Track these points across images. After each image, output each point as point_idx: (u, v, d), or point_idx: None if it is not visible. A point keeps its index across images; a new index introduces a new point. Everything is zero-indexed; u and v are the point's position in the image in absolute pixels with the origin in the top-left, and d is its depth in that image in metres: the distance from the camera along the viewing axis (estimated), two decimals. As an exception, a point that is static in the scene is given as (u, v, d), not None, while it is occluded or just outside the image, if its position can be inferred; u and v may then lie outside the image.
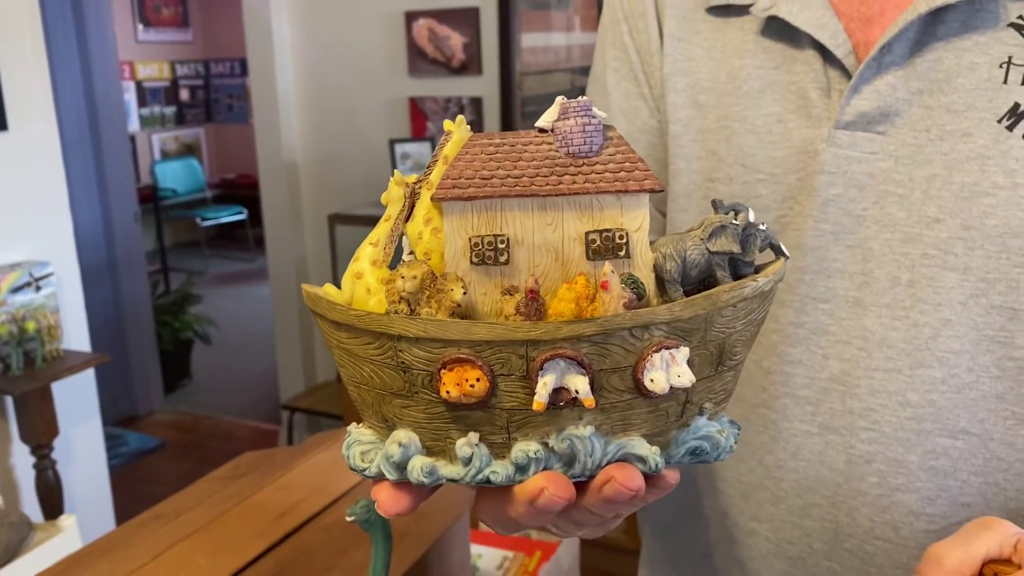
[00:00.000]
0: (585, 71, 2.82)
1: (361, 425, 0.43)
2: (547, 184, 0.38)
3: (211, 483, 1.08)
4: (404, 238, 0.42)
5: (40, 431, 2.30)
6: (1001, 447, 0.59)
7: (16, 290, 2.23)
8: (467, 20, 2.98)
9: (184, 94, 7.87)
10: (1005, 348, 0.59)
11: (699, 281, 0.42)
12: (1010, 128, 0.57)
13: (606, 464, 0.40)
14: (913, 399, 0.60)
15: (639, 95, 0.72)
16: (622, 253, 0.39)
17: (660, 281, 0.41)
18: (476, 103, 3.04)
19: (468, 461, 0.39)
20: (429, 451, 0.40)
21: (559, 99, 0.40)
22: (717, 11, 0.67)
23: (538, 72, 2.93)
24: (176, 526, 0.94)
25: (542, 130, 0.40)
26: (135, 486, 3.28)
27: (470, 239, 0.38)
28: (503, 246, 0.38)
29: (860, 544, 0.63)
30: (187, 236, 7.49)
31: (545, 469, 0.40)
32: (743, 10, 0.65)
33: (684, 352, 0.38)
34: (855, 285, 0.62)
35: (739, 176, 0.66)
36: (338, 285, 0.44)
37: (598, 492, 0.40)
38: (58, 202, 2.43)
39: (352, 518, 0.71)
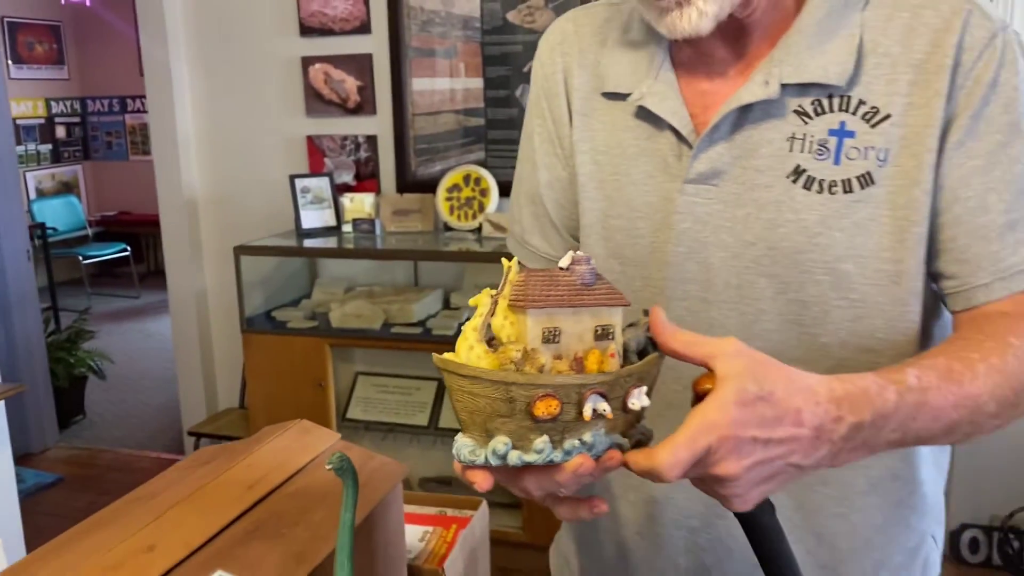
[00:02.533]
0: (470, 112, 3.12)
1: (463, 436, 0.65)
2: (575, 300, 0.63)
3: (178, 471, 1.27)
4: (489, 327, 0.65)
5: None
6: None
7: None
8: (361, 65, 3.22)
9: (60, 131, 7.74)
10: (800, 327, 0.86)
11: (638, 352, 0.67)
12: (794, 182, 0.83)
13: (604, 450, 0.64)
14: None
15: (555, 154, 0.98)
16: (611, 337, 0.64)
17: (627, 352, 0.66)
18: (371, 140, 3.27)
19: (540, 451, 0.62)
20: (514, 447, 0.63)
21: (570, 252, 0.65)
22: (608, 95, 0.93)
23: (428, 113, 3.20)
24: (159, 501, 1.13)
25: (563, 268, 0.64)
26: (38, 520, 3.30)
27: (543, 329, 0.62)
28: (558, 333, 0.62)
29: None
30: (69, 274, 7.34)
31: (579, 454, 0.63)
32: (625, 96, 0.92)
33: (643, 388, 0.64)
34: (702, 288, 0.88)
35: (625, 214, 0.92)
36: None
37: (603, 464, 0.63)
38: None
39: (331, 467, 0.94)
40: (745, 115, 0.84)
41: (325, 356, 2.96)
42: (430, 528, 1.62)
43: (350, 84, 3.24)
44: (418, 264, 3.29)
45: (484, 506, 1.65)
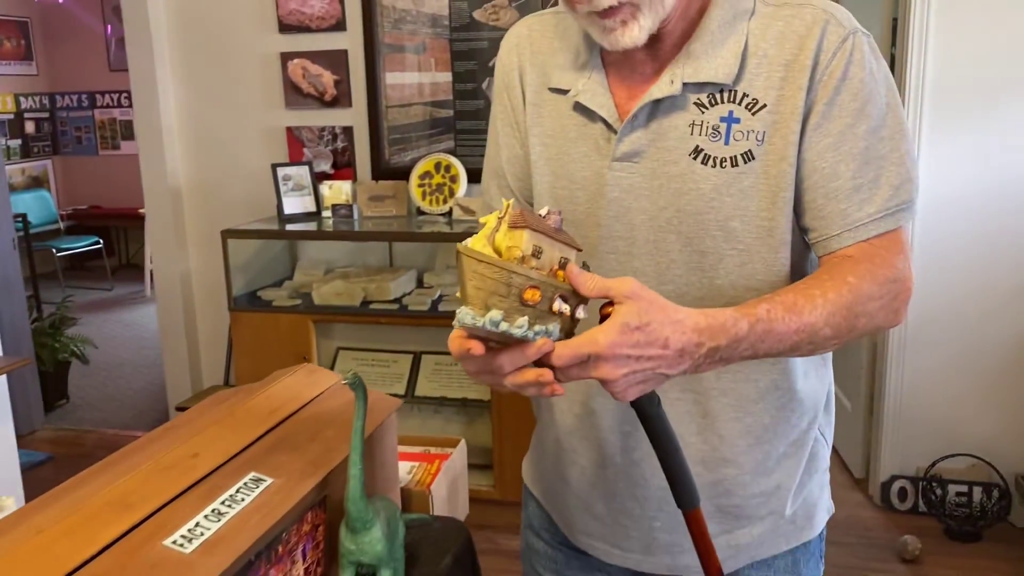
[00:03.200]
0: (439, 104, 3.35)
1: (466, 308, 0.84)
2: (554, 235, 0.85)
3: (200, 409, 1.50)
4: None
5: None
6: None
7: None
8: (337, 60, 3.44)
9: (29, 127, 7.82)
10: (701, 272, 1.08)
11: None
12: (695, 159, 1.05)
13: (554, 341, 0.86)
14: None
15: (514, 136, 1.20)
16: (568, 264, 0.86)
17: None
18: (348, 131, 3.49)
19: (521, 327, 0.82)
20: (503, 321, 0.82)
21: (546, 208, 0.87)
22: (553, 90, 1.15)
23: (400, 105, 3.42)
24: (194, 426, 1.35)
25: (542, 215, 0.85)
26: (33, 495, 3.47)
27: (533, 245, 0.83)
28: (541, 252, 0.83)
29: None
30: (42, 267, 7.44)
31: (545, 336, 0.84)
32: (565, 92, 1.14)
33: (586, 305, 0.86)
34: (627, 244, 1.10)
35: (567, 186, 1.14)
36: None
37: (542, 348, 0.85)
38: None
39: (346, 382, 1.18)
40: (657, 107, 1.06)
41: (309, 332, 3.18)
42: (416, 463, 1.87)
43: (327, 78, 3.45)
44: (393, 246, 3.52)
45: (462, 444, 1.90)
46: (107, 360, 5.34)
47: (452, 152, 3.37)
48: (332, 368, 3.35)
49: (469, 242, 0.85)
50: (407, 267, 3.45)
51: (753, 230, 1.04)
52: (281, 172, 3.38)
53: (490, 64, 3.29)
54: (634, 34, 0.99)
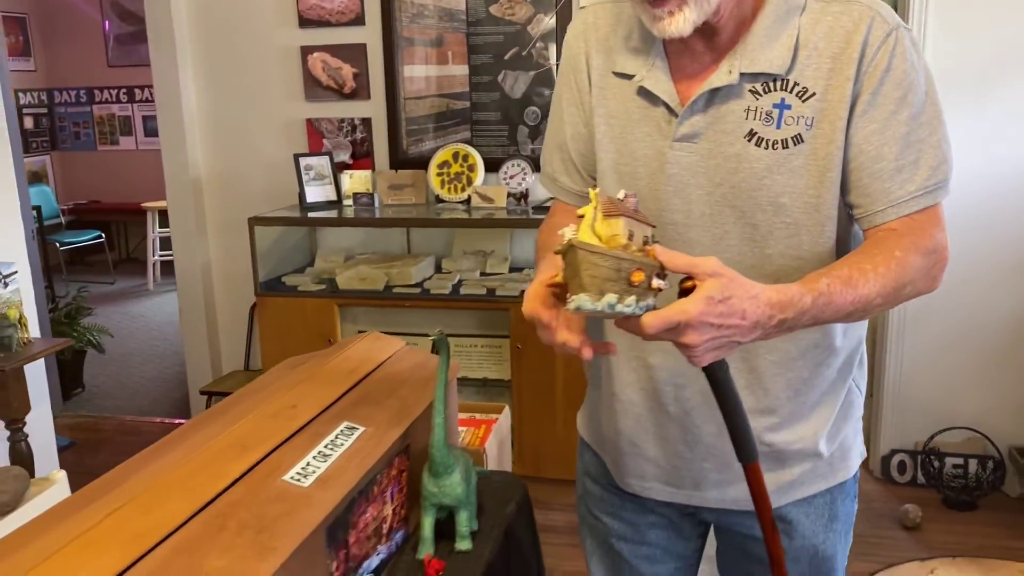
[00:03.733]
0: (456, 96, 3.47)
1: (583, 295, 0.93)
2: (638, 216, 0.97)
3: (277, 372, 1.62)
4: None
5: (16, 407, 2.67)
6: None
7: (-10, 286, 2.59)
8: (356, 54, 3.55)
9: (28, 122, 7.87)
10: (752, 243, 1.21)
11: None
12: (749, 141, 1.17)
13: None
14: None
15: (579, 115, 1.32)
16: (652, 243, 0.96)
17: None
18: (366, 122, 3.61)
19: (630, 306, 0.93)
20: (619, 304, 0.93)
21: (623, 192, 0.98)
22: (618, 75, 1.27)
23: (418, 97, 3.54)
24: (284, 384, 1.47)
25: (620, 198, 0.96)
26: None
27: (628, 230, 0.94)
28: (632, 235, 0.94)
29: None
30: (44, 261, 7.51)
31: (648, 310, 0.95)
32: (630, 77, 1.26)
33: (667, 278, 0.97)
34: (684, 216, 1.22)
35: (630, 163, 1.25)
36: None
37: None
38: (12, 208, 2.80)
39: (433, 337, 1.31)
40: (715, 94, 1.17)
41: (334, 315, 3.30)
42: (465, 428, 1.99)
43: (346, 71, 3.57)
44: (411, 234, 3.64)
45: (507, 409, 2.03)
46: (119, 351, 5.42)
47: (469, 142, 3.49)
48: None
49: (576, 236, 0.96)
50: (425, 254, 3.57)
51: (800, 206, 1.15)
52: (303, 162, 3.49)
53: (507, 57, 3.41)
54: (679, 24, 1.10)
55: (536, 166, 3.45)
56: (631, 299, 0.93)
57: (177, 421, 4.27)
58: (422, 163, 3.52)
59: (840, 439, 1.32)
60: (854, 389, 1.34)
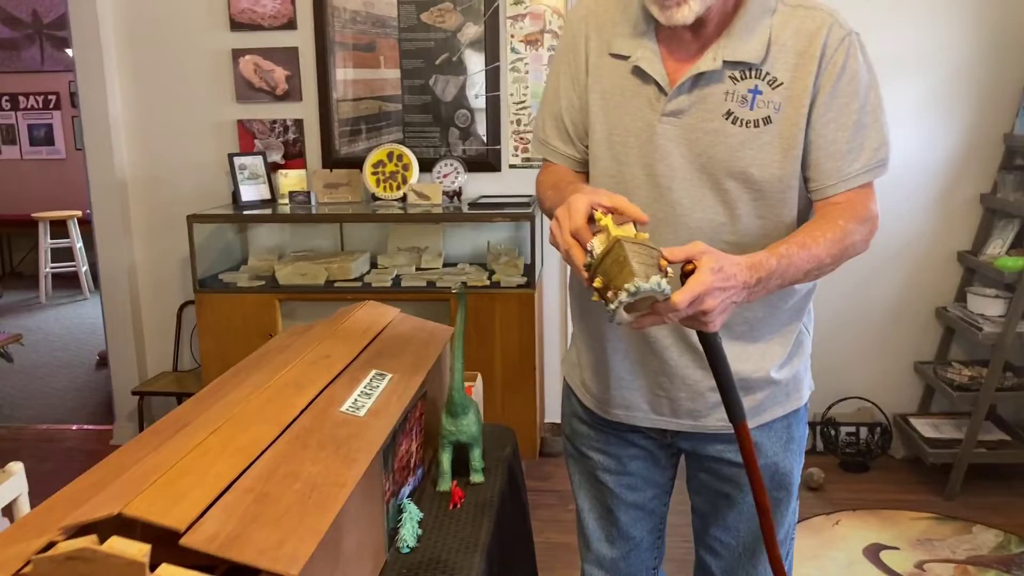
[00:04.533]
0: (388, 99, 3.62)
1: (636, 280, 1.09)
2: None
3: (291, 335, 1.75)
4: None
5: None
6: (725, 243, 1.42)
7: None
8: (288, 57, 3.66)
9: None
10: (725, 205, 1.42)
11: None
12: (726, 119, 1.37)
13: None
14: (693, 227, 1.42)
15: (574, 89, 1.50)
16: (657, 250, 1.16)
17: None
18: (299, 123, 3.71)
19: (660, 285, 1.10)
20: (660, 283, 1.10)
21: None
22: (613, 55, 1.46)
23: (351, 99, 3.68)
24: (308, 340, 1.60)
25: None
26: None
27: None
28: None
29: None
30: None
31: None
32: (625, 58, 1.46)
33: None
34: (667, 180, 1.42)
35: (622, 134, 1.45)
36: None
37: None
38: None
39: (455, 291, 1.48)
40: (700, 77, 1.38)
41: (274, 310, 3.38)
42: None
43: (279, 74, 3.66)
44: (345, 232, 3.76)
45: (479, 377, 2.20)
46: (24, 363, 5.26)
47: (401, 143, 3.65)
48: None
49: (617, 233, 1.15)
50: (361, 251, 3.70)
51: (767, 177, 1.37)
52: (238, 161, 3.57)
53: (437, 62, 3.60)
54: (685, 13, 1.31)
55: (468, 166, 3.64)
56: (664, 280, 1.12)
57: (100, 428, 4.22)
58: (355, 163, 3.65)
59: (793, 372, 1.56)
60: (803, 330, 1.59)
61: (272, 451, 1.13)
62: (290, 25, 3.63)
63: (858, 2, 3.41)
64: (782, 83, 1.35)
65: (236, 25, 3.65)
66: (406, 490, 1.46)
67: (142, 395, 3.73)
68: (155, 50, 3.74)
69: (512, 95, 3.62)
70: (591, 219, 1.20)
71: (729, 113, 1.36)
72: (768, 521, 1.33)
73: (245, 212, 3.48)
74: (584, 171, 1.53)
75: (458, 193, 3.54)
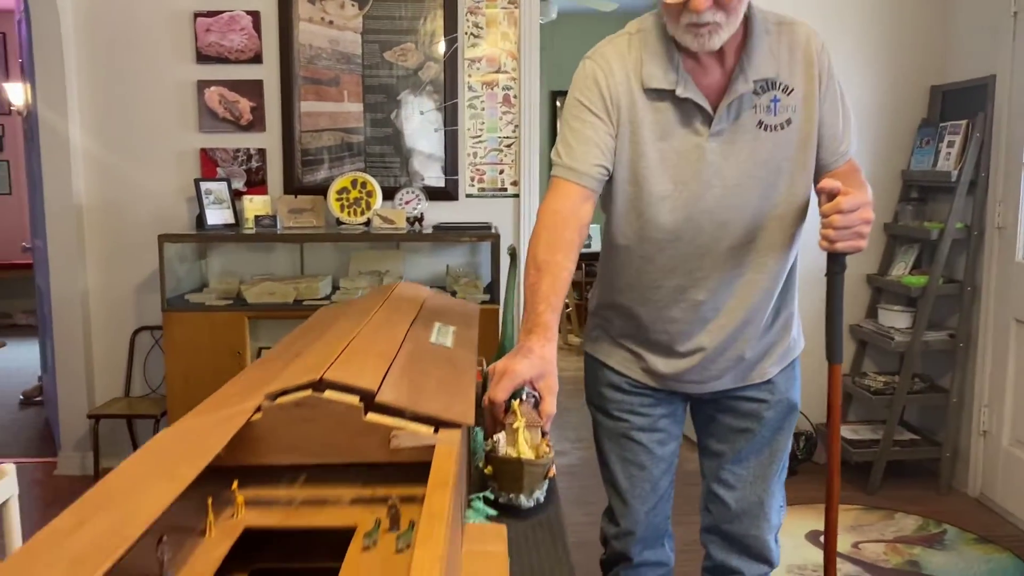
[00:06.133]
0: (351, 130, 3.82)
1: (514, 494, 1.25)
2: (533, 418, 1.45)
3: (335, 310, 1.90)
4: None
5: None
6: (760, 243, 1.72)
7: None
8: (254, 89, 3.82)
9: None
10: (762, 193, 1.67)
11: None
12: (759, 128, 1.61)
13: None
14: (743, 230, 1.69)
15: (605, 128, 1.61)
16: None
17: None
18: (262, 152, 3.86)
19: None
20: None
21: (525, 392, 1.37)
22: (650, 91, 1.61)
23: (314, 130, 3.86)
24: (357, 310, 1.76)
25: (525, 397, 1.36)
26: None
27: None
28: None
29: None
30: None
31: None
32: (662, 91, 1.63)
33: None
34: (721, 189, 1.66)
35: (672, 157, 1.63)
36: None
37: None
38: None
39: (510, 252, 1.69)
40: (736, 102, 1.58)
41: (243, 329, 3.47)
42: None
43: (243, 104, 3.81)
44: (306, 256, 3.89)
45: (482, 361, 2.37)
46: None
47: (363, 172, 3.84)
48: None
49: (512, 449, 1.28)
50: (323, 274, 3.83)
51: (792, 166, 1.66)
52: (203, 186, 3.67)
53: (398, 97, 3.83)
54: (715, 41, 1.53)
55: (429, 195, 3.85)
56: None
57: (46, 461, 4.13)
58: (317, 191, 3.81)
59: (798, 327, 1.88)
60: (795, 313, 1.90)
61: (397, 363, 1.30)
62: (256, 59, 3.80)
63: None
64: (794, 89, 1.63)
65: (202, 58, 3.79)
66: (471, 426, 1.64)
67: (98, 419, 3.71)
68: (120, 78, 3.82)
69: (469, 129, 3.88)
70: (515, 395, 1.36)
71: (760, 123, 1.63)
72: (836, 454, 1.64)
73: (211, 234, 3.58)
74: (595, 192, 1.68)
75: (419, 219, 3.74)
